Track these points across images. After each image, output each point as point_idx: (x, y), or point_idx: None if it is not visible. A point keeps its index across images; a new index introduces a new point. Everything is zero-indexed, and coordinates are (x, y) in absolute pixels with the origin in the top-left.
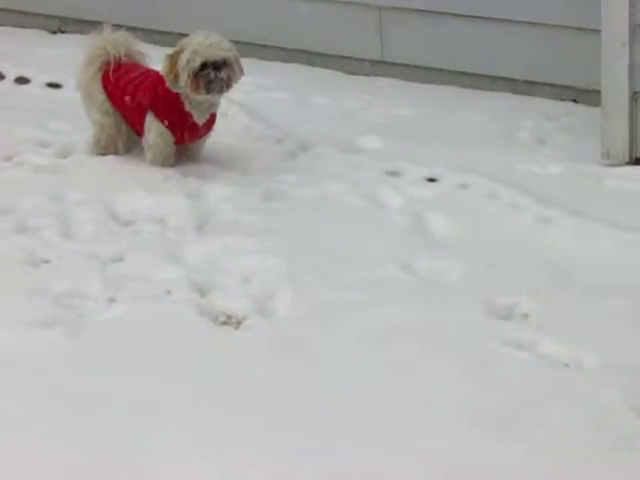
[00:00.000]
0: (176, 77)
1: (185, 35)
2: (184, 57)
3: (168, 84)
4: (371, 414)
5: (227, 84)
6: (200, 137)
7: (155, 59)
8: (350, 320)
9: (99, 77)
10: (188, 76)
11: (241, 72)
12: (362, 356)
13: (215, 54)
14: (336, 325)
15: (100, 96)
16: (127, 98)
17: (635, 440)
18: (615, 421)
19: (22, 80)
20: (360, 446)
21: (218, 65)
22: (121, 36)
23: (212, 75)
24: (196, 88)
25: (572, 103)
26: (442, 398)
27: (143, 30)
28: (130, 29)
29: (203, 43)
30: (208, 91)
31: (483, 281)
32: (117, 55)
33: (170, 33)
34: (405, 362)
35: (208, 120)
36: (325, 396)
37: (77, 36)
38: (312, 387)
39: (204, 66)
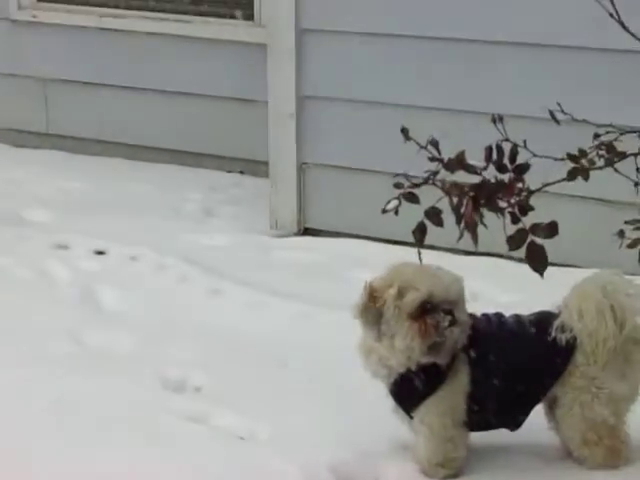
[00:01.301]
0: None
1: None
2: None
3: None
4: None
5: None
6: None
7: None
8: (25, 395)
9: None
10: None
11: None
12: (35, 434)
13: None
14: (11, 400)
15: None
16: None
17: None
18: None
19: None
20: None
21: None
22: None
23: None
24: None
25: (239, 175)
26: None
27: None
28: None
29: None
30: None
31: (155, 354)
32: None
33: None
34: (78, 438)
35: None
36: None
37: None
38: None
39: None
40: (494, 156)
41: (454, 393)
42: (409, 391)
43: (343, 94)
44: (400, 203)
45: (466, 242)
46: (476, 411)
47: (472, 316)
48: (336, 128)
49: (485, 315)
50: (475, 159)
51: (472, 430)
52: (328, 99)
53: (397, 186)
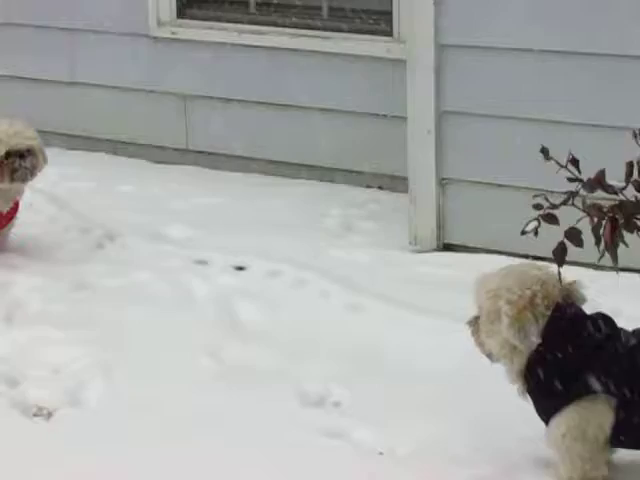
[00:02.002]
0: None
1: None
2: None
3: None
4: None
5: (32, 172)
6: (4, 227)
7: None
8: (160, 411)
9: None
10: None
11: (45, 161)
12: (169, 450)
13: (20, 143)
14: (146, 416)
15: None
16: None
17: None
18: None
19: None
20: None
21: (22, 154)
22: None
23: (17, 164)
24: (0, 176)
25: (378, 190)
26: None
27: None
28: None
29: (7, 131)
30: (12, 180)
31: (294, 369)
32: None
33: None
34: (219, 454)
35: (12, 209)
36: None
37: None
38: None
39: (8, 154)
40: (635, 172)
41: (594, 404)
42: (548, 398)
43: (483, 109)
44: (539, 224)
45: (607, 258)
46: (620, 425)
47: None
48: (476, 143)
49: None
50: (616, 174)
51: (615, 447)
52: (468, 114)
53: (536, 207)
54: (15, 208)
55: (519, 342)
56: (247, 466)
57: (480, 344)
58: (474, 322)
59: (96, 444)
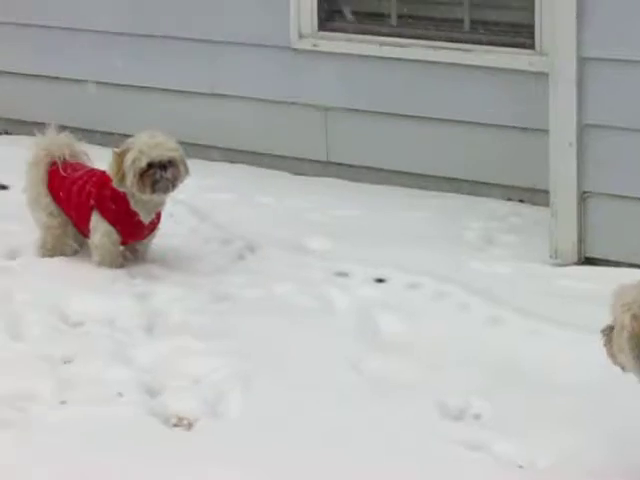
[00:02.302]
0: (123, 176)
1: (127, 135)
2: (130, 156)
3: (115, 183)
4: None
5: (173, 184)
6: (146, 237)
7: (97, 159)
8: (300, 422)
9: (45, 178)
10: (134, 175)
11: (186, 172)
12: (311, 460)
13: (161, 154)
14: (286, 427)
15: (45, 198)
16: (73, 198)
17: None
18: None
19: None
20: None
21: (164, 165)
22: (65, 137)
23: (158, 175)
24: (142, 187)
25: (519, 203)
26: None
27: (85, 131)
28: (73, 130)
29: (149, 143)
30: (154, 191)
31: (434, 382)
32: (62, 156)
33: (112, 133)
34: (360, 466)
35: (154, 220)
36: None
37: (23, 138)
38: None
39: (150, 166)
40: None
41: None
42: None
43: (625, 122)
44: None
45: None
46: None
47: None
48: (618, 157)
49: None
50: None
51: None
52: (609, 127)
53: None
54: (157, 219)
55: (633, 359)
56: (386, 477)
57: (612, 355)
58: (608, 332)
59: (237, 454)
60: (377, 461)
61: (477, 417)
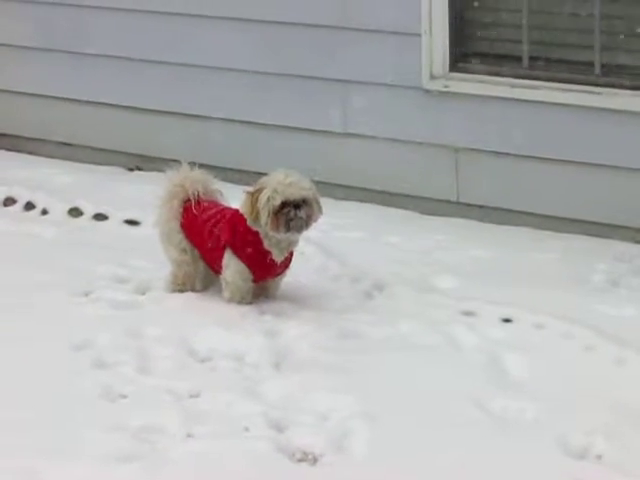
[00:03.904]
0: (257, 215)
1: (260, 174)
2: (264, 195)
3: (249, 222)
4: None
5: (306, 223)
6: (277, 275)
7: (230, 197)
8: (426, 460)
9: (177, 215)
10: (268, 214)
11: (320, 211)
12: None
13: (295, 193)
14: (412, 464)
15: (178, 234)
16: (205, 235)
17: None
18: None
19: (100, 217)
20: None
21: (298, 204)
22: (199, 174)
23: (292, 214)
24: (276, 227)
25: None
26: None
27: (218, 168)
28: (205, 167)
29: (283, 182)
30: (288, 229)
31: (558, 421)
32: (195, 193)
33: (245, 171)
34: None
35: (286, 258)
36: None
37: (154, 174)
38: None
39: (284, 205)
40: None
41: None
42: None
43: None
44: None
45: None
46: None
47: None
48: None
49: None
50: None
51: None
52: None
53: None
54: (289, 258)
55: None
56: None
57: None
58: None
59: None
60: None
61: (599, 457)
